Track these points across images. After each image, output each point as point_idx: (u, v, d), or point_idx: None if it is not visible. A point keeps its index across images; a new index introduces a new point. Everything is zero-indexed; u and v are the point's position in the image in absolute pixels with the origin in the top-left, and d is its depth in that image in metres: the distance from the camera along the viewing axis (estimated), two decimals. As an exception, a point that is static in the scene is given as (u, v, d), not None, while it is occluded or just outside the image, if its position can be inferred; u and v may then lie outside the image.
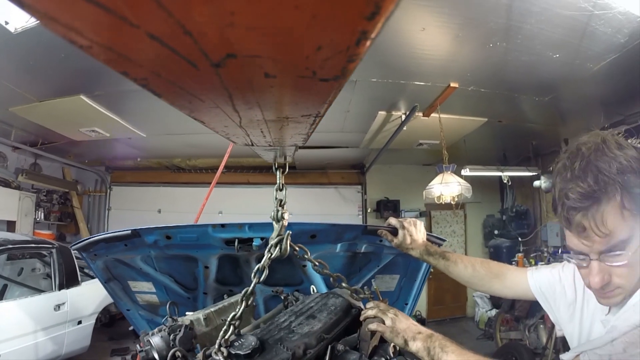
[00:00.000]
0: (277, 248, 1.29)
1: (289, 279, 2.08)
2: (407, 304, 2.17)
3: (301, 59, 0.32)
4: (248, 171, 7.58)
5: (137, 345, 1.31)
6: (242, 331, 1.26)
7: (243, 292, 1.24)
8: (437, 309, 7.51)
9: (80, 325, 4.34)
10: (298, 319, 1.32)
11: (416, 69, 3.75)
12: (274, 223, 1.31)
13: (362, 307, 1.36)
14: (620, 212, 0.82)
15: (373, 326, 1.17)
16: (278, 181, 1.29)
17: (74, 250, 2.03)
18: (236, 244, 1.75)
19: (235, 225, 1.74)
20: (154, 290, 2.19)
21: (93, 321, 4.59)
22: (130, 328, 5.18)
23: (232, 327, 1.17)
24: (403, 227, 1.60)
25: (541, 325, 4.58)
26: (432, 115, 4.69)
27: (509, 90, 4.21)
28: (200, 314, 1.41)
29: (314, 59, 0.31)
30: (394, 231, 1.64)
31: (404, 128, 5.00)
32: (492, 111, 4.86)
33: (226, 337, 1.15)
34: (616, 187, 0.81)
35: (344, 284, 1.47)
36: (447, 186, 4.45)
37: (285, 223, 1.32)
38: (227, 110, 0.46)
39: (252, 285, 1.24)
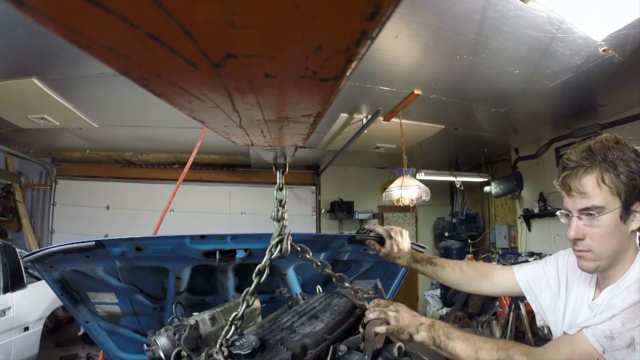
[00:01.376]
0: (278, 248, 1.29)
1: (266, 286, 2.05)
2: None
3: (301, 59, 0.31)
4: (202, 168, 7.30)
5: (145, 345, 1.28)
6: (246, 331, 1.26)
7: (244, 292, 1.23)
8: (388, 308, 7.66)
9: (27, 332, 3.94)
10: (301, 319, 1.32)
11: (384, 75, 3.80)
12: (274, 223, 1.30)
13: (367, 306, 1.37)
14: (597, 182, 1.03)
15: (381, 329, 1.18)
16: (278, 181, 1.29)
17: (26, 262, 1.78)
18: (217, 256, 1.68)
19: (216, 236, 1.66)
20: (116, 301, 2.03)
21: (41, 327, 4.19)
22: (79, 333, 4.87)
23: (233, 327, 1.18)
24: (390, 237, 1.60)
25: (494, 322, 4.82)
26: (393, 120, 4.79)
27: (468, 100, 4.40)
28: (205, 314, 1.39)
29: (314, 59, 0.31)
30: (380, 240, 1.63)
31: (365, 131, 5.06)
32: (450, 119, 5.03)
33: (227, 336, 1.15)
34: (598, 160, 1.03)
35: (346, 284, 1.47)
36: (408, 189, 4.60)
37: (286, 223, 1.31)
38: (227, 110, 0.46)
39: (253, 285, 1.23)
